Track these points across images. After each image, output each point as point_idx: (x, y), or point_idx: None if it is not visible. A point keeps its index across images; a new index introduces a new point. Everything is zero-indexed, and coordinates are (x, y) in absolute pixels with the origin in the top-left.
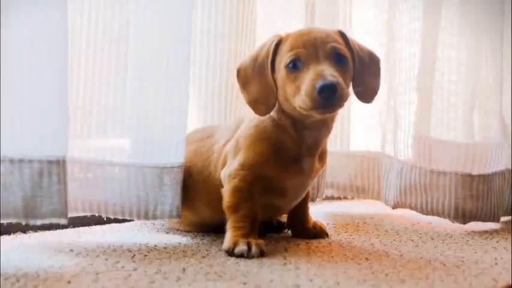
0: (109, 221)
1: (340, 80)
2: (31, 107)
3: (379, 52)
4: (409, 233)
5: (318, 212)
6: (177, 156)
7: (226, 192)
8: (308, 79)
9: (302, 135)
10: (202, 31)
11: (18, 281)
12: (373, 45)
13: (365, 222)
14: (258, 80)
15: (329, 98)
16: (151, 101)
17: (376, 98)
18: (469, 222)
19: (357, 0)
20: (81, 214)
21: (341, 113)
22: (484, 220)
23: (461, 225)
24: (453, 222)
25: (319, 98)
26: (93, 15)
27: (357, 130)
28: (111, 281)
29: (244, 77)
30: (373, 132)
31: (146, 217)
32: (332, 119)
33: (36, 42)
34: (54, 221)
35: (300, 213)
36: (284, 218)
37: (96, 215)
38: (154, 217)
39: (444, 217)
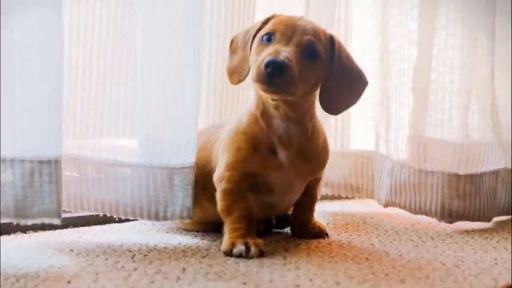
0: (109, 221)
1: (293, 65)
2: (24, 107)
3: (375, 51)
4: (409, 233)
5: (318, 212)
6: (187, 157)
7: (218, 196)
8: (265, 53)
9: (271, 124)
10: None
11: (18, 281)
12: (371, 44)
13: (365, 222)
14: (241, 50)
15: (272, 75)
16: (162, 101)
17: (373, 97)
18: (456, 221)
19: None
20: (94, 213)
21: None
22: (472, 220)
23: (449, 224)
24: (440, 221)
25: (263, 72)
26: (104, 16)
27: (354, 129)
28: (111, 281)
29: (234, 46)
30: (369, 130)
31: (157, 218)
32: (299, 114)
33: (29, 42)
34: (46, 221)
35: (302, 216)
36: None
37: (108, 215)
38: (165, 218)
39: (431, 216)
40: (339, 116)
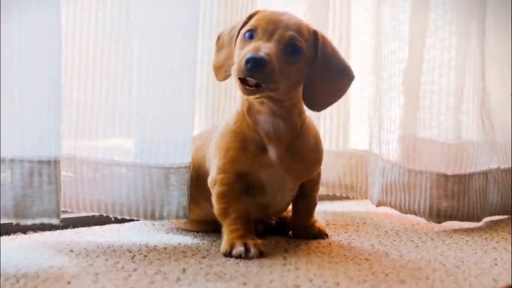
0: (109, 221)
1: (273, 61)
2: (23, 107)
3: (372, 51)
4: (409, 233)
5: (318, 212)
6: (183, 157)
7: (213, 200)
8: (246, 50)
9: (257, 120)
10: None
11: (18, 281)
12: (369, 43)
13: (365, 223)
14: (227, 46)
15: (253, 72)
16: (158, 101)
17: (370, 97)
18: (444, 221)
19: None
20: (90, 214)
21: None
22: (461, 220)
23: (438, 224)
24: (428, 221)
25: (243, 68)
26: (100, 16)
27: (353, 129)
28: (111, 282)
29: (220, 42)
30: (366, 130)
31: (153, 218)
32: (285, 111)
33: (27, 42)
34: (45, 220)
35: (302, 221)
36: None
37: (104, 214)
38: (161, 217)
39: (420, 216)
40: (335, 116)
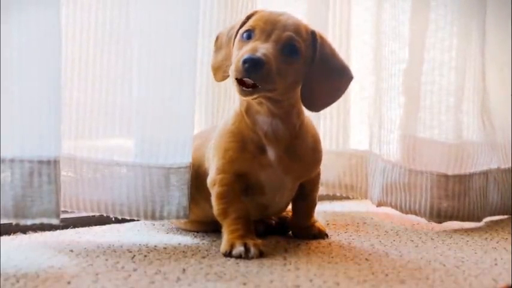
0: (109, 221)
1: (271, 61)
2: (23, 107)
3: (372, 51)
4: (409, 233)
5: (318, 212)
6: (183, 157)
7: (213, 200)
8: (243, 50)
9: (256, 121)
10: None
11: (18, 281)
12: (370, 43)
13: (365, 223)
14: (225, 47)
15: (250, 72)
16: (158, 101)
17: (370, 97)
18: (444, 221)
19: (356, 1)
20: (90, 214)
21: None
22: (462, 220)
23: (438, 224)
24: (429, 221)
25: (241, 69)
26: (100, 16)
27: (353, 129)
28: (111, 282)
29: (219, 43)
30: (364, 130)
31: (153, 218)
32: (283, 111)
33: (27, 42)
34: (45, 221)
35: (302, 222)
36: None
37: (104, 214)
38: (162, 217)
39: (421, 216)
40: (335, 116)
